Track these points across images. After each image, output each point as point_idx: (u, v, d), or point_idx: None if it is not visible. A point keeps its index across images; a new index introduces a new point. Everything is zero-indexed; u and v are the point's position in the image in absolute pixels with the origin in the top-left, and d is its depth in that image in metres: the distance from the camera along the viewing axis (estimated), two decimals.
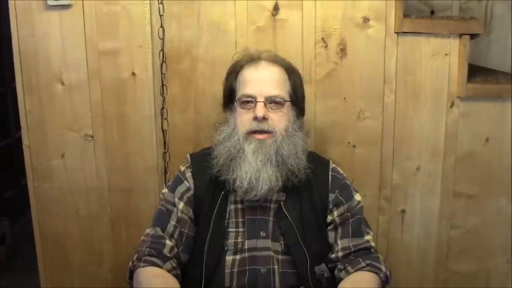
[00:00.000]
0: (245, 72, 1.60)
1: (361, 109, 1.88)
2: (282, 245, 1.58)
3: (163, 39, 1.83)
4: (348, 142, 1.91)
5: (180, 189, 1.63)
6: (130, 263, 1.56)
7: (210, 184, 1.61)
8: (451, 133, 1.89)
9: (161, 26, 1.82)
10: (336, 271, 1.59)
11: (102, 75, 1.87)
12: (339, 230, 1.62)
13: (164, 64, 1.85)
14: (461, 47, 1.82)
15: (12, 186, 3.71)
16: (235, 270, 1.57)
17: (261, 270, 1.56)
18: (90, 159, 1.93)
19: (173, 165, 1.90)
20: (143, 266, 1.51)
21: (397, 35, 1.83)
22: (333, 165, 1.70)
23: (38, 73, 1.87)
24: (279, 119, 1.57)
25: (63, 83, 1.88)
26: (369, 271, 1.53)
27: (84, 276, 2.02)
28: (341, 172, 1.70)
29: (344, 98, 1.88)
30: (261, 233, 1.59)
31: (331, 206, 1.63)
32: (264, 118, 1.55)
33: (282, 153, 1.55)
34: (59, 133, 1.91)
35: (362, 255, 1.57)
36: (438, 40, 1.83)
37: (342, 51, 1.85)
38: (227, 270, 1.57)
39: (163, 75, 1.86)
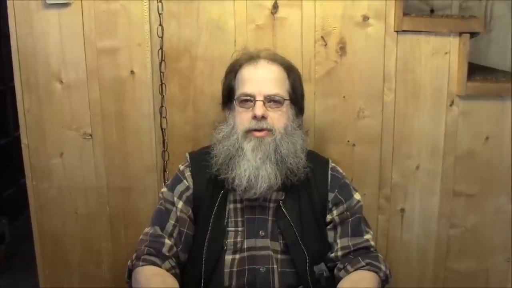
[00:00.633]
0: (244, 71, 1.60)
1: (361, 108, 1.88)
2: (281, 245, 1.58)
3: (162, 37, 1.82)
4: (348, 141, 1.91)
5: (179, 188, 1.63)
6: (129, 262, 1.56)
7: (209, 183, 1.61)
8: (451, 132, 1.89)
9: (160, 25, 1.82)
10: (335, 270, 1.58)
11: (101, 74, 1.87)
12: (339, 229, 1.61)
13: (163, 62, 1.84)
14: (461, 46, 1.82)
15: (11, 185, 3.71)
16: (234, 269, 1.57)
17: (260, 269, 1.56)
18: (89, 158, 1.93)
19: (172, 164, 1.90)
20: (142, 265, 1.51)
21: (397, 34, 1.82)
22: (333, 164, 1.70)
23: (37, 72, 1.87)
24: (278, 118, 1.57)
25: (61, 82, 1.87)
26: (369, 270, 1.52)
27: (83, 275, 2.01)
28: (341, 171, 1.70)
29: (344, 96, 1.88)
30: (260, 232, 1.59)
31: (330, 206, 1.63)
32: (263, 117, 1.54)
33: (281, 152, 1.55)
34: (57, 132, 1.91)
35: (361, 254, 1.56)
36: (438, 38, 1.83)
37: (342, 49, 1.84)
38: (226, 270, 1.56)
39: (162, 74, 1.85)
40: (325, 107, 1.88)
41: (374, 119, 1.89)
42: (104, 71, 1.86)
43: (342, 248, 1.59)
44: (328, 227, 1.63)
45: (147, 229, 1.61)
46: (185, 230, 1.60)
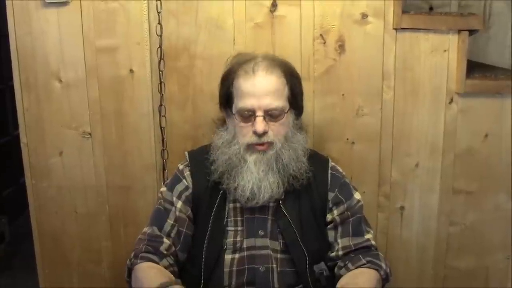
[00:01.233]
0: (241, 83, 1.53)
1: (360, 106, 1.88)
2: (281, 244, 1.58)
3: (161, 36, 1.82)
4: (347, 139, 1.91)
5: (179, 187, 1.62)
6: (128, 261, 1.56)
7: (209, 182, 1.60)
8: (450, 130, 1.88)
9: (159, 23, 1.81)
10: (336, 269, 1.58)
11: (100, 73, 1.86)
12: (339, 229, 1.61)
13: (162, 61, 1.84)
14: (460, 43, 1.82)
15: (11, 184, 3.71)
16: (234, 269, 1.56)
17: (260, 269, 1.56)
18: (88, 157, 1.93)
19: (171, 163, 1.90)
20: (140, 263, 1.51)
21: (396, 31, 1.82)
22: (332, 163, 1.70)
23: (36, 71, 1.86)
24: (279, 129, 1.54)
25: (60, 81, 1.87)
26: (369, 268, 1.52)
27: (83, 274, 2.01)
28: (341, 170, 1.70)
29: (343, 94, 1.88)
30: (259, 232, 1.59)
31: (330, 205, 1.63)
32: (264, 132, 1.52)
33: (282, 160, 1.54)
34: (57, 131, 1.91)
35: (362, 253, 1.56)
36: (437, 36, 1.82)
37: (341, 47, 1.84)
38: (226, 269, 1.56)
39: (161, 73, 1.85)
40: (324, 105, 1.88)
41: (373, 117, 1.89)
42: (103, 70, 1.86)
43: (343, 247, 1.59)
44: (329, 227, 1.63)
45: (145, 229, 1.61)
46: (184, 230, 1.59)
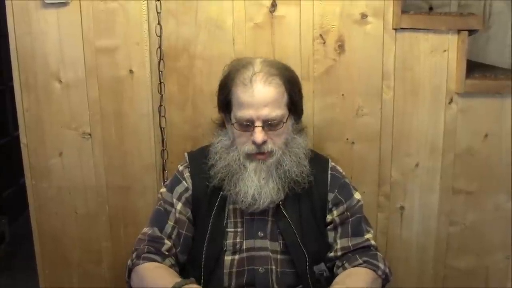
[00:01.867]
0: (239, 93, 1.50)
1: (360, 106, 1.88)
2: (281, 245, 1.58)
3: (160, 36, 1.82)
4: (347, 139, 1.91)
5: (179, 189, 1.62)
6: (129, 262, 1.56)
7: (209, 184, 1.59)
8: (450, 130, 1.88)
9: (159, 23, 1.81)
10: (334, 269, 1.58)
11: (100, 73, 1.86)
12: (339, 229, 1.61)
13: (161, 61, 1.84)
14: (460, 43, 1.82)
15: (11, 185, 3.71)
16: (234, 270, 1.56)
17: (259, 270, 1.56)
18: (88, 157, 1.92)
19: (171, 163, 1.90)
20: (143, 263, 1.51)
21: (395, 31, 1.82)
22: (332, 163, 1.69)
23: (36, 71, 1.86)
24: (278, 137, 1.53)
25: (60, 81, 1.87)
26: (366, 267, 1.52)
27: (83, 275, 2.01)
28: (340, 170, 1.69)
29: (343, 94, 1.87)
30: (259, 233, 1.58)
31: (330, 206, 1.62)
32: (263, 142, 1.51)
33: (283, 167, 1.54)
34: (56, 132, 1.91)
35: (360, 253, 1.56)
36: (437, 36, 1.82)
37: (340, 47, 1.84)
38: (226, 270, 1.56)
39: (160, 73, 1.85)
40: (324, 105, 1.88)
41: (373, 117, 1.89)
42: (103, 70, 1.86)
43: (342, 248, 1.58)
44: (329, 227, 1.62)
45: (145, 229, 1.61)
46: (184, 232, 1.59)
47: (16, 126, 1.99)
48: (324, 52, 1.84)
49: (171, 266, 1.54)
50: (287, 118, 1.54)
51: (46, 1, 1.80)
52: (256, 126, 1.50)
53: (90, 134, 1.91)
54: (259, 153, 1.53)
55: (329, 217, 1.62)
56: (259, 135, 1.49)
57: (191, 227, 1.61)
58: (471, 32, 1.83)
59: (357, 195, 1.65)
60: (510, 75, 1.89)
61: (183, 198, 1.61)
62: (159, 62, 1.84)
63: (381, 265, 1.54)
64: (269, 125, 1.51)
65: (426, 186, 1.93)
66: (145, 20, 1.82)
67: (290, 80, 1.56)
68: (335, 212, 1.62)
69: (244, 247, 1.58)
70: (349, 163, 1.89)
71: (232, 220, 1.60)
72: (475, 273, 1.99)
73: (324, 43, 1.84)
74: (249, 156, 1.54)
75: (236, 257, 1.57)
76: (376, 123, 1.89)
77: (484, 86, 1.86)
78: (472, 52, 2.04)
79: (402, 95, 1.87)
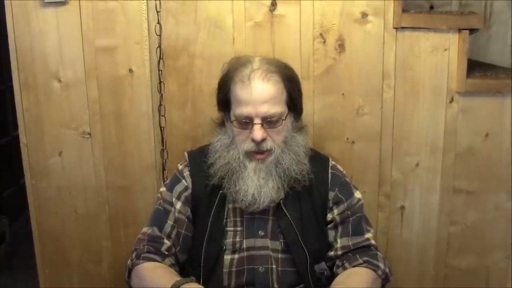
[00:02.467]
0: (238, 91, 1.51)
1: (360, 105, 1.88)
2: (282, 244, 1.58)
3: (160, 35, 1.82)
4: (347, 139, 1.90)
5: (178, 188, 1.62)
6: (129, 262, 1.56)
7: (208, 183, 1.59)
8: (451, 129, 1.88)
9: (158, 23, 1.81)
10: (334, 268, 1.58)
11: (99, 72, 1.86)
12: (339, 228, 1.61)
13: (161, 61, 1.84)
14: (461, 42, 1.81)
15: (11, 185, 3.71)
16: (233, 269, 1.56)
17: (259, 269, 1.56)
18: (87, 157, 1.92)
19: (171, 163, 1.90)
20: (143, 263, 1.51)
21: (396, 31, 1.82)
22: (333, 162, 1.69)
23: (35, 71, 1.86)
24: (278, 135, 1.53)
25: (60, 81, 1.87)
26: (366, 267, 1.52)
27: (83, 275, 2.01)
28: (341, 169, 1.69)
29: (343, 94, 1.87)
30: (259, 232, 1.58)
31: (331, 204, 1.62)
32: (262, 139, 1.51)
33: (283, 165, 1.53)
34: (56, 131, 1.90)
35: (360, 252, 1.56)
36: (437, 35, 1.82)
37: (341, 46, 1.84)
38: (225, 270, 1.56)
39: (160, 72, 1.85)
40: (324, 105, 1.88)
41: (373, 116, 1.88)
42: (102, 70, 1.86)
43: (342, 247, 1.58)
44: (329, 226, 1.62)
45: (145, 229, 1.61)
46: (183, 231, 1.59)
47: (15, 126, 1.99)
48: (324, 51, 1.84)
49: (170, 265, 1.54)
50: (286, 116, 1.54)
51: (45, 1, 1.80)
52: (255, 124, 1.50)
53: (89, 134, 1.91)
54: (258, 153, 1.52)
55: (329, 216, 1.62)
56: (258, 132, 1.49)
57: (190, 227, 1.61)
58: (472, 31, 1.83)
59: (357, 194, 1.65)
60: (511, 75, 1.89)
61: (182, 197, 1.61)
62: (158, 62, 1.84)
63: (381, 265, 1.54)
64: (268, 122, 1.51)
65: (427, 185, 1.93)
66: (144, 20, 1.82)
67: (289, 78, 1.56)
68: (335, 211, 1.61)
69: (244, 246, 1.57)
70: (349, 163, 1.89)
71: (232, 219, 1.60)
72: (475, 272, 1.99)
73: (324, 42, 1.84)
74: (249, 155, 1.53)
75: (236, 256, 1.57)
76: (376, 122, 1.88)
77: (485, 85, 1.85)
78: (472, 51, 2.04)
79: (403, 95, 1.86)
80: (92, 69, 1.86)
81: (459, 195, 1.93)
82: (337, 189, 1.63)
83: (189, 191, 1.61)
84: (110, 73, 1.86)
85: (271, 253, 1.57)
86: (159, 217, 1.60)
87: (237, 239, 1.58)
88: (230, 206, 1.60)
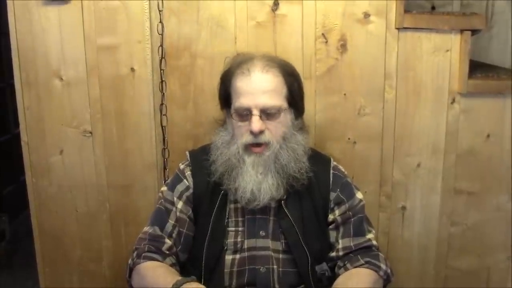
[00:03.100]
0: (238, 82, 1.53)
1: (362, 105, 1.87)
2: (283, 244, 1.57)
3: (162, 34, 1.82)
4: (349, 139, 1.90)
5: (179, 188, 1.62)
6: (130, 261, 1.56)
7: (210, 182, 1.59)
8: (452, 130, 1.88)
9: (160, 22, 1.81)
10: (336, 269, 1.58)
11: (101, 71, 1.86)
12: (341, 229, 1.61)
13: (163, 60, 1.84)
14: (462, 43, 1.81)
15: (11, 183, 3.71)
16: (235, 269, 1.56)
17: (260, 269, 1.56)
18: (88, 156, 1.92)
19: (172, 162, 1.90)
20: (143, 262, 1.51)
21: (398, 31, 1.82)
22: (334, 163, 1.69)
23: (37, 69, 1.86)
24: (276, 128, 1.53)
25: (61, 79, 1.87)
26: (368, 268, 1.52)
27: (83, 273, 2.01)
28: (342, 170, 1.69)
29: (345, 94, 1.87)
30: (260, 232, 1.58)
31: (332, 205, 1.62)
32: (261, 131, 1.51)
33: (281, 161, 1.53)
34: (57, 129, 1.90)
35: (361, 253, 1.56)
36: (439, 36, 1.82)
37: (343, 46, 1.84)
38: (227, 270, 1.56)
39: (162, 71, 1.85)
40: (325, 105, 1.88)
41: (375, 117, 1.88)
42: (104, 69, 1.86)
43: (344, 248, 1.58)
44: (330, 227, 1.62)
45: (146, 228, 1.61)
46: (185, 231, 1.59)
47: (16, 124, 1.99)
48: (326, 51, 1.84)
49: (171, 265, 1.54)
50: (285, 109, 1.54)
51: None
52: (254, 115, 1.50)
53: (91, 132, 1.90)
54: (256, 145, 1.52)
55: (331, 217, 1.62)
56: (256, 123, 1.49)
57: (191, 226, 1.61)
58: (473, 32, 1.83)
59: (359, 195, 1.65)
60: None
61: (184, 197, 1.61)
62: (160, 61, 1.84)
63: (383, 266, 1.54)
64: (267, 114, 1.51)
65: (428, 186, 1.93)
66: (146, 18, 1.82)
67: (290, 74, 1.57)
68: (337, 212, 1.61)
69: (245, 246, 1.57)
70: (350, 163, 1.89)
71: (233, 219, 1.59)
72: (476, 273, 1.99)
73: (326, 42, 1.84)
74: (247, 149, 1.53)
75: (237, 256, 1.57)
76: (378, 123, 1.88)
77: (486, 86, 1.85)
78: (474, 52, 2.03)
79: (404, 95, 1.86)
80: (93, 67, 1.85)
81: (460, 196, 1.93)
82: (338, 189, 1.63)
83: (191, 190, 1.61)
84: (112, 72, 1.86)
85: (272, 254, 1.57)
86: (160, 216, 1.60)
87: (239, 239, 1.58)
88: (232, 206, 1.59)
